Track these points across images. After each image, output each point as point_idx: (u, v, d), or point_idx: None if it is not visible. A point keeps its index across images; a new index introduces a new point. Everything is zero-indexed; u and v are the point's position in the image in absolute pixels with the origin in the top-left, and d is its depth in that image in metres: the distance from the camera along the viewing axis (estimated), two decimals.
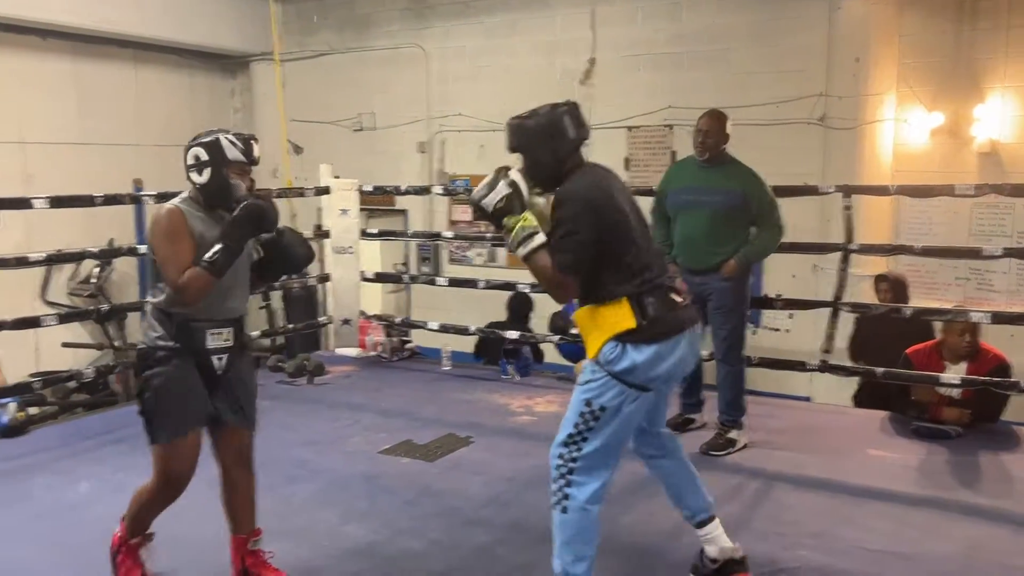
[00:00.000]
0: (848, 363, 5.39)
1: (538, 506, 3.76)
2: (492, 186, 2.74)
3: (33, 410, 7.28)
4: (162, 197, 5.57)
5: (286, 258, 3.09)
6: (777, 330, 7.21)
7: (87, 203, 5.33)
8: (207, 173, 2.88)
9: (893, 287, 5.60)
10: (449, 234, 7.74)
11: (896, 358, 4.95)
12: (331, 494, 3.91)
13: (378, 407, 5.30)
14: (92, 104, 8.27)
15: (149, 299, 3.02)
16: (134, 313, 8.15)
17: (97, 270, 7.99)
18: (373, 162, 8.61)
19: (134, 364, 3.17)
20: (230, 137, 2.91)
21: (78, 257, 6.31)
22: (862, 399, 5.71)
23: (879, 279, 5.68)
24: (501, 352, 6.15)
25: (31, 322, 5.09)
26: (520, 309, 6.55)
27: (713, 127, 4.36)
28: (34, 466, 4.33)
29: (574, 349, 6.08)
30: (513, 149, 2.86)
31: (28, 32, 7.63)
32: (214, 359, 2.94)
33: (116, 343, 8.01)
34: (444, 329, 6.46)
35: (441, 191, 7.25)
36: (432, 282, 6.89)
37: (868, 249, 5.27)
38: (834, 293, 5.09)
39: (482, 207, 2.76)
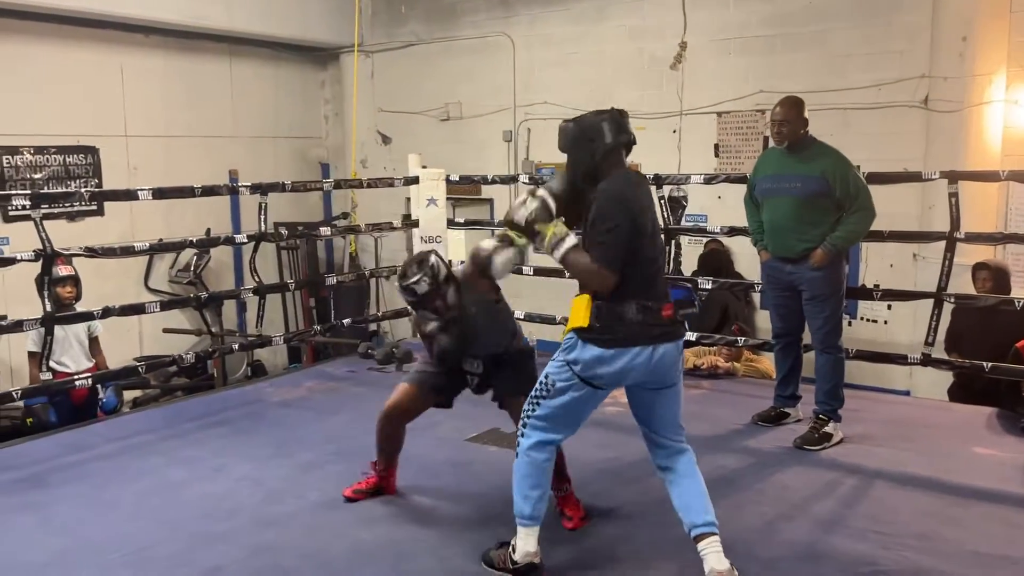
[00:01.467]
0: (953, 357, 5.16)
1: (626, 498, 3.74)
2: (524, 203, 3.04)
3: (137, 393, 7.65)
4: (257, 188, 5.74)
5: None
6: (875, 321, 6.95)
7: (187, 194, 5.51)
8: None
9: (995, 276, 5.32)
10: None
11: (993, 351, 4.72)
12: (420, 480, 3.95)
13: (465, 394, 5.28)
14: (190, 98, 8.55)
15: None
16: (230, 300, 8.47)
17: (195, 258, 8.27)
18: (459, 151, 8.65)
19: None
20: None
21: (179, 247, 6.55)
22: (956, 393, 5.47)
23: (978, 267, 5.39)
24: None
25: (137, 308, 5.30)
26: None
27: (787, 115, 4.27)
28: (140, 446, 4.52)
29: None
30: (561, 149, 3.09)
31: (133, 30, 7.93)
32: (468, 377, 3.69)
33: (213, 329, 8.30)
34: (529, 318, 6.45)
35: (526, 180, 7.23)
36: (518, 271, 6.88)
37: (976, 237, 5.01)
38: (938, 283, 4.87)
39: (515, 221, 3.03)
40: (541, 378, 3.05)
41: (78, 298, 5.73)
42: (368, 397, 5.15)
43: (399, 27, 9.26)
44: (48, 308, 4.75)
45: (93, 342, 5.99)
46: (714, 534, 2.93)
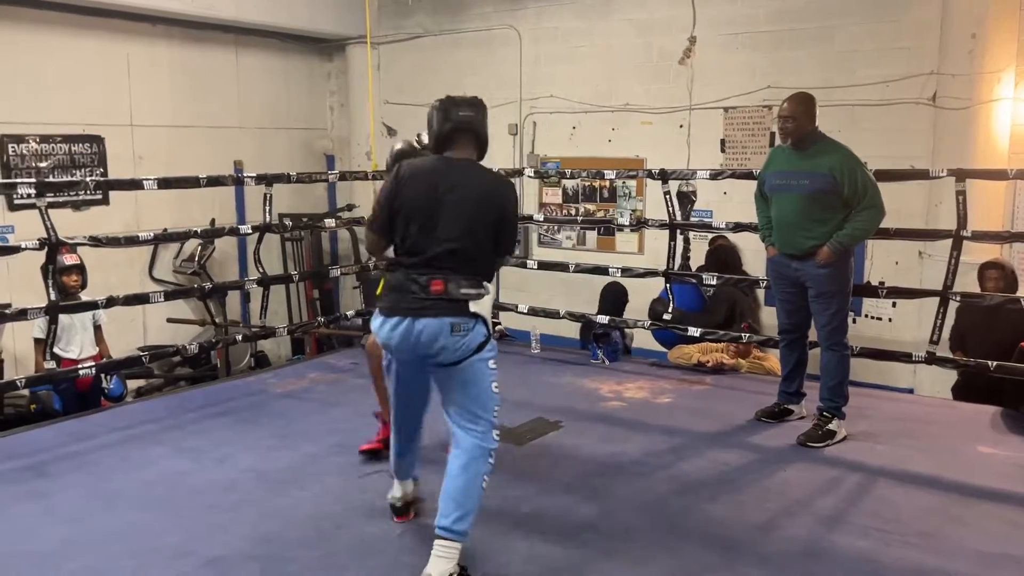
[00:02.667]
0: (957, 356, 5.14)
1: (627, 494, 3.74)
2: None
3: (140, 382, 7.66)
4: (262, 179, 5.74)
5: None
6: (879, 319, 6.93)
7: (193, 184, 5.51)
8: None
9: (1006, 276, 5.30)
10: (539, 217, 7.71)
11: (998, 349, 4.70)
12: (423, 474, 3.94)
13: None
14: (196, 88, 8.54)
15: None
16: (234, 291, 8.48)
17: (199, 249, 8.28)
18: None
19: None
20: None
21: (184, 236, 6.54)
22: (961, 392, 5.46)
23: (987, 267, 5.37)
24: (591, 336, 6.11)
25: (141, 298, 5.31)
26: (616, 300, 6.45)
27: (793, 111, 4.26)
28: (143, 436, 4.52)
29: (668, 335, 6.00)
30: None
31: (140, 19, 7.92)
32: None
33: (217, 319, 8.31)
34: (533, 312, 6.45)
35: (532, 174, 7.23)
36: (522, 265, 6.88)
37: (983, 236, 4.99)
38: (944, 281, 4.86)
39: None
40: None
41: (83, 286, 5.74)
42: (370, 389, 5.13)
43: (406, 19, 9.23)
44: (52, 297, 4.75)
45: (97, 331, 6.00)
46: (444, 539, 2.88)
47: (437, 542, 2.89)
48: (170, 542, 3.30)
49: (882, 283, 5.98)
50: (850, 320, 6.71)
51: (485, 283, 3.05)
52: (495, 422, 3.05)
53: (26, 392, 6.28)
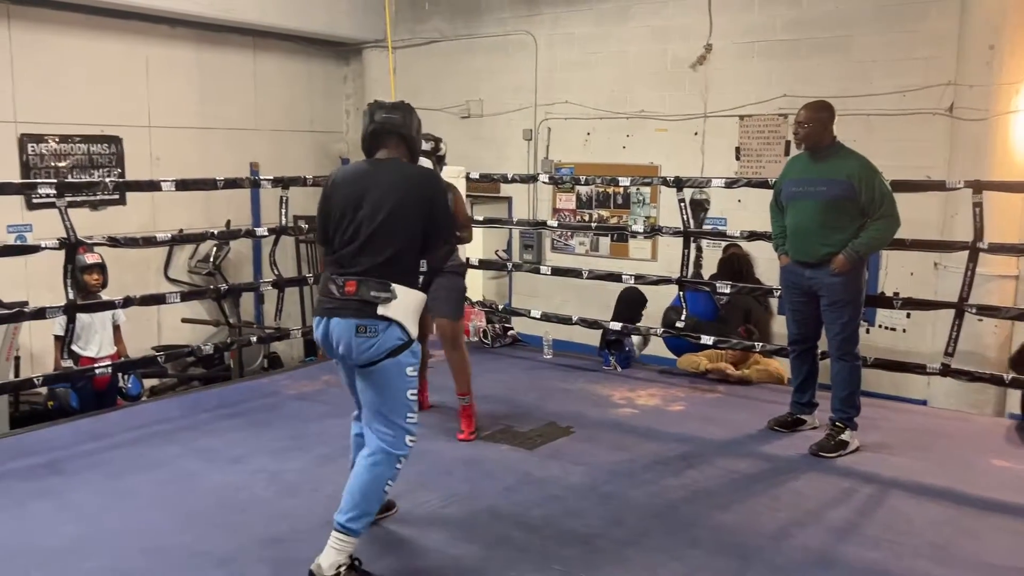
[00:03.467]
0: (969, 367, 5.11)
1: (638, 500, 3.74)
2: None
3: (154, 381, 7.71)
4: (279, 181, 5.77)
5: None
6: (893, 329, 6.90)
7: (210, 186, 5.56)
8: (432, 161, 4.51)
9: None
10: (553, 223, 7.72)
11: None
12: (433, 477, 3.96)
13: (479, 392, 5.30)
14: (214, 90, 8.61)
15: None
16: (248, 292, 8.52)
17: (215, 250, 8.33)
18: (479, 149, 8.66)
19: None
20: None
21: (200, 238, 6.59)
22: None
23: None
24: (603, 343, 6.10)
25: (158, 299, 5.36)
26: (631, 306, 6.44)
27: (808, 117, 4.27)
28: (157, 435, 4.55)
29: (681, 343, 5.99)
30: None
31: (159, 21, 7.99)
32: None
33: (231, 320, 8.35)
34: (546, 317, 6.46)
35: (546, 179, 7.24)
36: (536, 270, 6.89)
37: (999, 248, 4.96)
38: (960, 293, 4.84)
39: None
40: None
41: (104, 285, 5.79)
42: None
43: (422, 23, 9.27)
44: (71, 296, 4.79)
45: (116, 330, 6.04)
46: (338, 531, 2.94)
47: (333, 534, 2.94)
48: (182, 541, 3.32)
49: (896, 294, 5.96)
50: (863, 330, 6.75)
51: (398, 286, 3.00)
52: (409, 428, 3.05)
53: (43, 389, 6.35)
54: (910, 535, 3.41)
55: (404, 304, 3.01)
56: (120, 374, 5.75)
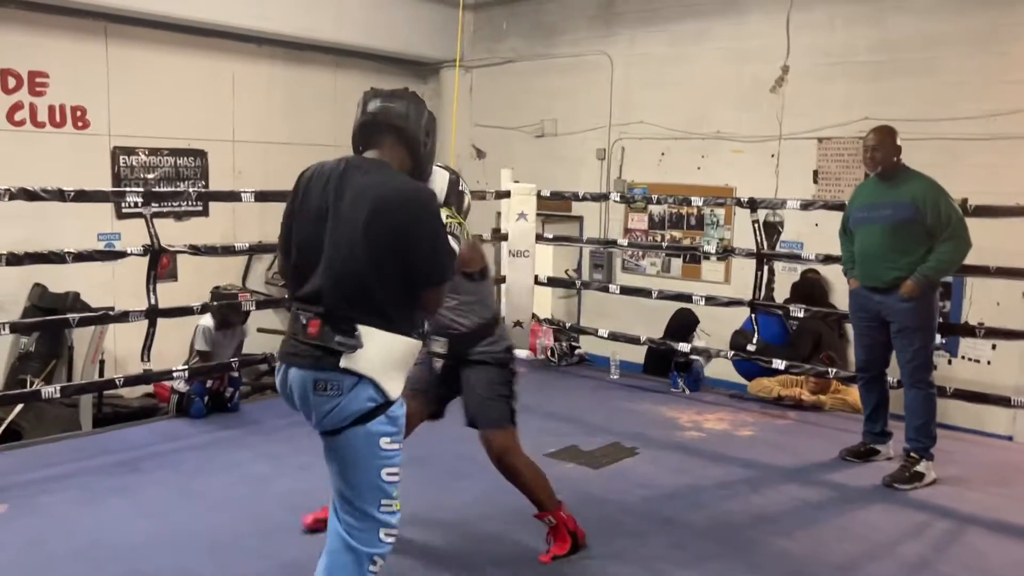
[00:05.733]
0: None
1: (700, 524, 3.67)
2: None
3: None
4: None
5: None
6: (977, 361, 6.63)
7: (287, 198, 5.68)
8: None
9: None
10: (624, 242, 7.68)
11: None
12: (495, 494, 3.93)
13: (546, 410, 5.33)
14: (295, 106, 8.85)
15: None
16: None
17: None
18: (552, 168, 8.69)
19: None
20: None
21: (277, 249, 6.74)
22: None
23: None
24: (672, 365, 6.03)
25: (235, 307, 5.49)
26: (682, 326, 6.37)
27: (879, 141, 4.21)
28: (229, 440, 4.69)
29: (750, 367, 5.88)
30: None
31: (246, 39, 8.27)
32: (433, 360, 3.33)
33: None
34: (614, 337, 6.42)
35: (618, 198, 7.21)
36: (604, 289, 6.87)
37: None
38: None
39: None
40: None
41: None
42: (453, 404, 5.19)
43: (499, 43, 9.38)
44: (152, 301, 4.96)
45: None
46: None
47: None
48: (249, 544, 3.40)
49: (981, 323, 5.73)
50: (945, 361, 6.52)
51: (371, 330, 2.24)
52: (385, 520, 2.30)
53: (123, 393, 6.59)
54: (987, 573, 3.27)
55: (379, 354, 2.26)
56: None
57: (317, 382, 2.26)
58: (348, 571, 2.27)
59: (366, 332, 2.24)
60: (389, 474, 2.30)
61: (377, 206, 2.27)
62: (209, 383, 5.23)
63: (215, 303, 5.23)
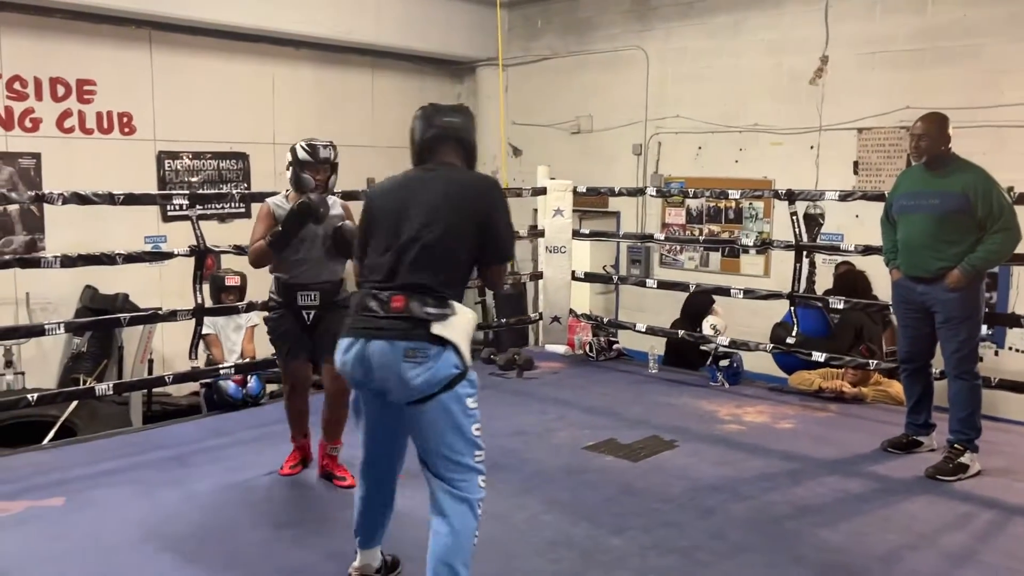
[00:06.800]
0: None
1: (740, 515, 3.67)
2: None
3: (274, 386, 8.05)
4: None
5: (342, 244, 4.00)
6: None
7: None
8: (290, 171, 4.04)
9: None
10: (660, 236, 7.67)
11: None
12: (534, 484, 4.00)
13: (584, 404, 5.36)
14: (334, 108, 8.98)
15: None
16: None
17: None
18: (588, 164, 8.71)
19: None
20: (302, 143, 4.04)
21: None
22: None
23: None
24: (710, 358, 6.01)
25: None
26: (697, 312, 6.34)
27: (927, 129, 4.13)
28: (274, 435, 4.75)
29: (791, 360, 5.85)
30: None
31: (285, 44, 8.42)
32: (304, 313, 4.01)
33: None
34: (651, 331, 6.42)
35: (654, 193, 7.21)
36: (642, 284, 6.87)
37: None
38: None
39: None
40: None
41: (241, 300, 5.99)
42: (488, 399, 5.19)
43: (535, 41, 9.42)
44: (199, 300, 5.09)
45: (249, 331, 6.27)
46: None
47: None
48: (293, 534, 3.48)
49: None
50: (992, 352, 6.41)
51: (455, 303, 2.62)
52: (480, 468, 2.65)
53: (171, 391, 6.74)
54: None
55: (459, 323, 2.60)
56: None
57: (407, 350, 2.53)
58: (467, 518, 2.62)
59: (450, 304, 2.61)
60: (477, 429, 2.65)
61: (464, 193, 2.74)
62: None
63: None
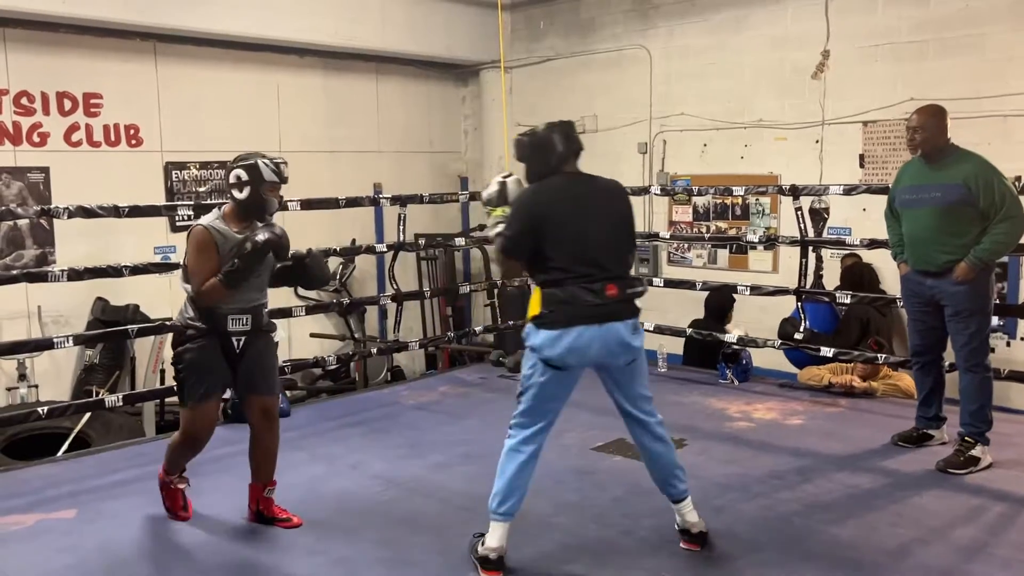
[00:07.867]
0: None
1: (750, 513, 3.67)
2: (488, 187, 3.60)
3: (288, 394, 8.10)
4: (396, 199, 6.01)
5: (305, 276, 3.86)
6: None
7: (332, 205, 5.85)
8: (247, 191, 3.50)
9: None
10: (666, 234, 7.66)
11: None
12: (544, 486, 3.98)
13: (593, 405, 5.29)
14: (339, 114, 9.01)
15: (186, 287, 3.57)
16: (372, 307, 8.85)
17: (341, 267, 8.68)
18: (594, 164, 8.43)
19: (173, 338, 3.66)
20: (266, 160, 3.51)
21: (325, 255, 6.89)
22: None
23: None
24: (720, 356, 6.00)
25: (285, 312, 5.64)
26: (720, 307, 6.34)
27: (922, 122, 4.12)
28: (285, 442, 4.70)
29: (801, 356, 5.83)
30: (517, 159, 3.44)
31: (289, 52, 8.45)
32: (233, 340, 3.51)
33: (356, 335, 8.68)
34: (660, 330, 6.42)
35: (658, 191, 7.20)
36: (649, 282, 6.85)
37: None
38: None
39: (484, 199, 3.60)
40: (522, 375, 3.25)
41: None
42: (497, 402, 5.29)
43: (538, 42, 9.42)
44: None
45: None
46: (686, 498, 3.33)
47: (684, 502, 3.32)
48: (303, 541, 3.50)
49: None
50: (1003, 342, 6.37)
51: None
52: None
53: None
54: None
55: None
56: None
57: (635, 324, 3.19)
58: (671, 448, 3.35)
59: (638, 282, 3.26)
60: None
61: (615, 195, 3.40)
62: None
63: None
